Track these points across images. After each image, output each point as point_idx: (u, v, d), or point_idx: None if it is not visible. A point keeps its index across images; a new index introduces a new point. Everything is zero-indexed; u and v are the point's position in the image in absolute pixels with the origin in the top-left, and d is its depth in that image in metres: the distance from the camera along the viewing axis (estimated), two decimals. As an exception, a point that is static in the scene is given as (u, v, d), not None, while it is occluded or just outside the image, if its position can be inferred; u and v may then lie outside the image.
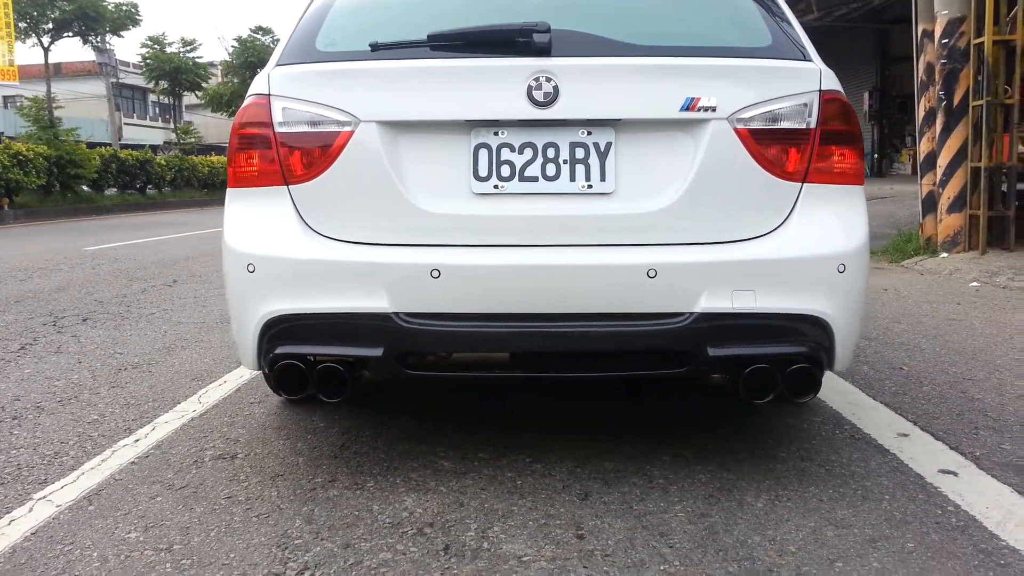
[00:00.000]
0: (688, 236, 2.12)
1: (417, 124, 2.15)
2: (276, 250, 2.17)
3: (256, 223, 2.22)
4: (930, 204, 7.34)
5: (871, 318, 4.58)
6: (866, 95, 24.64)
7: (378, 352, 2.11)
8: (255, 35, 32.26)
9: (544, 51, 2.11)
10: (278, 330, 2.16)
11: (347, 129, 2.15)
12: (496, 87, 2.12)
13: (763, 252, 2.12)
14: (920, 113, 7.48)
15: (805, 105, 2.15)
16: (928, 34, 7.25)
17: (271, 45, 32.08)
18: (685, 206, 2.11)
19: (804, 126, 2.16)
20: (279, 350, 2.16)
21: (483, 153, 2.13)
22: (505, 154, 2.14)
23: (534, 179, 2.13)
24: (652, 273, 2.07)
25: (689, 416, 2.85)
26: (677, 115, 2.11)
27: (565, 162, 2.13)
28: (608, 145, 2.13)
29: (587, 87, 2.11)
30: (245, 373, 3.52)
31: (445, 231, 2.12)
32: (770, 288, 2.11)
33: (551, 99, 2.09)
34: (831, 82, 2.19)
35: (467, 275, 2.10)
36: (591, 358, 2.28)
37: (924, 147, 7.47)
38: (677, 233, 2.12)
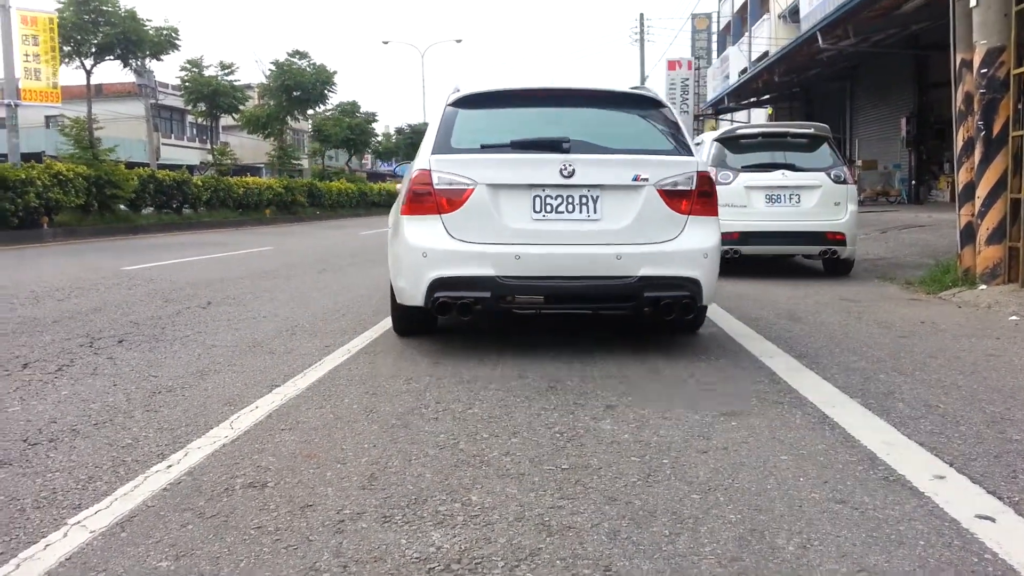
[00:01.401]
0: (635, 240, 4.31)
1: (505, 185, 4.32)
2: (437, 245, 4.28)
3: (425, 232, 4.32)
4: (968, 235, 7.23)
5: (908, 352, 4.51)
6: (903, 121, 24.37)
7: (487, 295, 4.26)
8: (292, 59, 32.70)
9: (567, 151, 4.34)
10: (437, 284, 4.27)
11: (470, 188, 4.30)
12: (543, 168, 4.31)
13: (670, 248, 4.32)
14: (958, 143, 7.39)
15: (689, 178, 4.39)
16: (967, 63, 7.18)
17: (308, 69, 32.56)
18: (634, 226, 4.31)
19: (689, 188, 4.38)
20: (437, 294, 4.27)
21: (537, 200, 4.33)
22: (548, 200, 4.33)
23: (562, 213, 4.34)
24: (618, 257, 4.27)
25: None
26: (630, 183, 4.33)
27: (577, 205, 4.33)
28: (597, 197, 4.33)
29: (588, 169, 4.30)
30: (276, 399, 3.56)
31: (520, 236, 4.29)
32: (673, 264, 4.30)
33: (571, 174, 4.28)
34: (703, 167, 4.48)
35: (531, 257, 4.25)
36: (587, 299, 4.57)
37: (963, 177, 7.38)
38: (630, 239, 4.31)
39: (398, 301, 4.66)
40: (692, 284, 4.29)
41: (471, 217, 4.28)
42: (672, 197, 4.35)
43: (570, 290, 4.34)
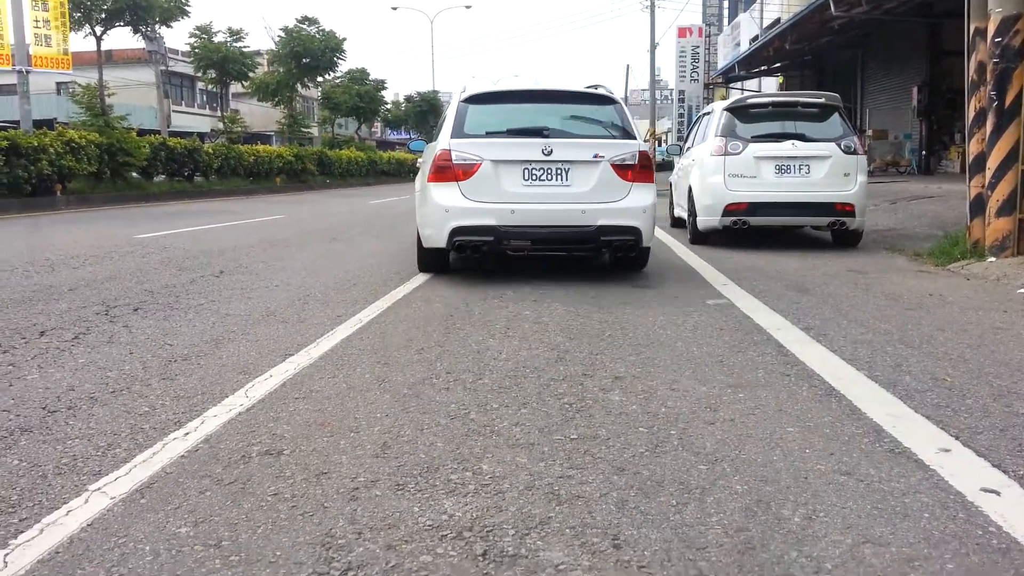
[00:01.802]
0: (595, 200, 5.86)
1: (503, 161, 5.86)
2: (455, 203, 5.81)
3: (446, 194, 5.85)
4: (978, 207, 7.20)
5: (916, 325, 4.53)
6: (915, 90, 24.08)
7: (491, 238, 5.85)
8: (301, 25, 32.50)
9: (547, 136, 5.91)
10: (456, 231, 5.82)
11: (478, 162, 5.84)
12: (530, 149, 5.86)
13: (619, 205, 5.88)
14: (970, 113, 7.33)
15: (633, 155, 5.93)
16: (981, 32, 7.09)
17: (317, 35, 32.37)
18: (594, 190, 5.87)
19: (633, 163, 5.92)
20: (456, 239, 5.85)
21: (526, 171, 5.89)
22: (534, 172, 5.89)
23: (544, 181, 5.91)
24: (583, 212, 5.84)
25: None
26: (591, 159, 5.89)
27: (554, 175, 5.89)
28: (568, 169, 5.88)
29: (561, 149, 5.84)
30: (290, 368, 3.61)
31: (514, 197, 5.84)
32: (621, 217, 5.87)
33: (550, 153, 5.83)
34: (643, 146, 6.05)
35: (522, 211, 5.80)
36: (561, 242, 6.20)
37: (973, 148, 7.32)
38: (591, 199, 5.85)
39: (425, 246, 6.32)
40: (635, 231, 5.98)
41: (479, 183, 5.92)
42: (621, 169, 5.99)
43: (549, 236, 6.07)
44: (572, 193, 5.91)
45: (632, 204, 5.94)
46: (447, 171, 5.92)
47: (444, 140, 6.06)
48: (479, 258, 6.99)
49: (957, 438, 2.68)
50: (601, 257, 7.29)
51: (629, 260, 6.60)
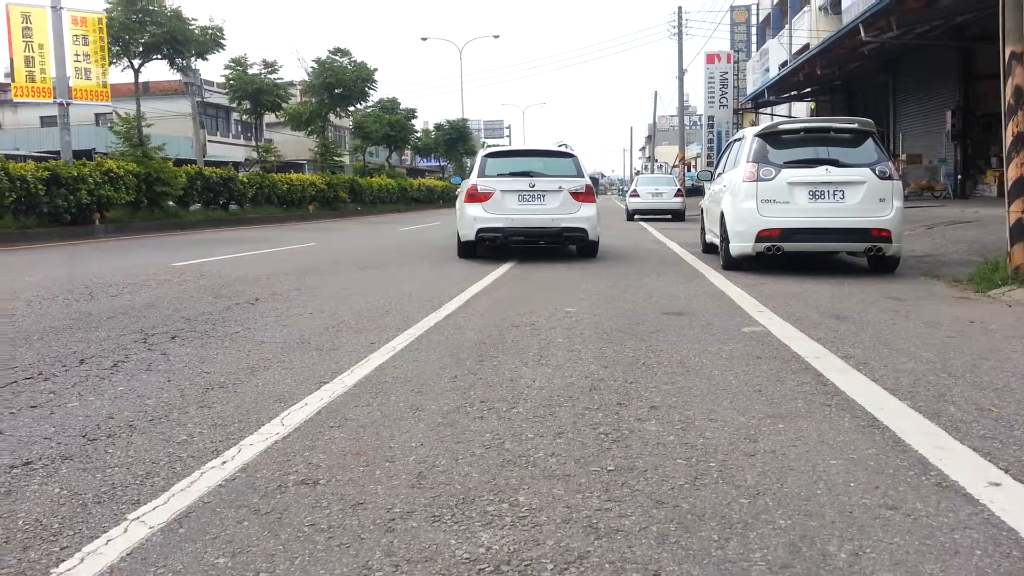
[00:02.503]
0: (560, 213, 10.43)
1: (508, 190, 10.47)
2: (480, 215, 10.44)
3: (474, 210, 10.47)
4: (1019, 232, 7.07)
5: (958, 353, 4.44)
6: (948, 114, 23.86)
7: (500, 235, 10.49)
8: (333, 56, 33.02)
9: (532, 177, 10.66)
10: (480, 231, 10.45)
11: (492, 191, 10.45)
12: (523, 183, 10.55)
13: (574, 215, 10.47)
14: (1008, 138, 7.22)
15: (582, 187, 10.61)
16: (1017, 56, 7.01)
17: (349, 66, 32.87)
18: (560, 208, 10.45)
19: (582, 191, 10.56)
20: (480, 235, 10.47)
21: (520, 197, 10.49)
22: (525, 197, 10.49)
23: (530, 202, 10.49)
24: (553, 221, 10.44)
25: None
26: (557, 189, 10.47)
27: (536, 200, 10.46)
28: (544, 195, 10.45)
29: (541, 184, 10.53)
30: (325, 396, 3.62)
31: (513, 212, 10.43)
32: (575, 223, 10.47)
33: (533, 186, 10.48)
34: (587, 182, 10.83)
35: (517, 220, 10.40)
36: (541, 238, 10.71)
37: (1012, 173, 7.20)
38: (557, 213, 10.42)
39: (462, 241, 10.80)
40: (583, 231, 10.42)
41: (493, 204, 10.33)
42: (575, 195, 10.38)
43: (533, 234, 10.48)
44: (547, 210, 10.33)
45: (582, 215, 10.41)
46: (475, 196, 10.42)
47: (473, 178, 10.76)
48: (494, 247, 10.93)
49: (1007, 471, 2.61)
50: (567, 247, 11.43)
51: (585, 250, 10.97)
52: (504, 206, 10.21)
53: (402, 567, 2.00)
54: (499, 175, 10.53)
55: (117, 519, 2.33)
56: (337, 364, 4.32)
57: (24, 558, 2.08)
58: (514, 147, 13.86)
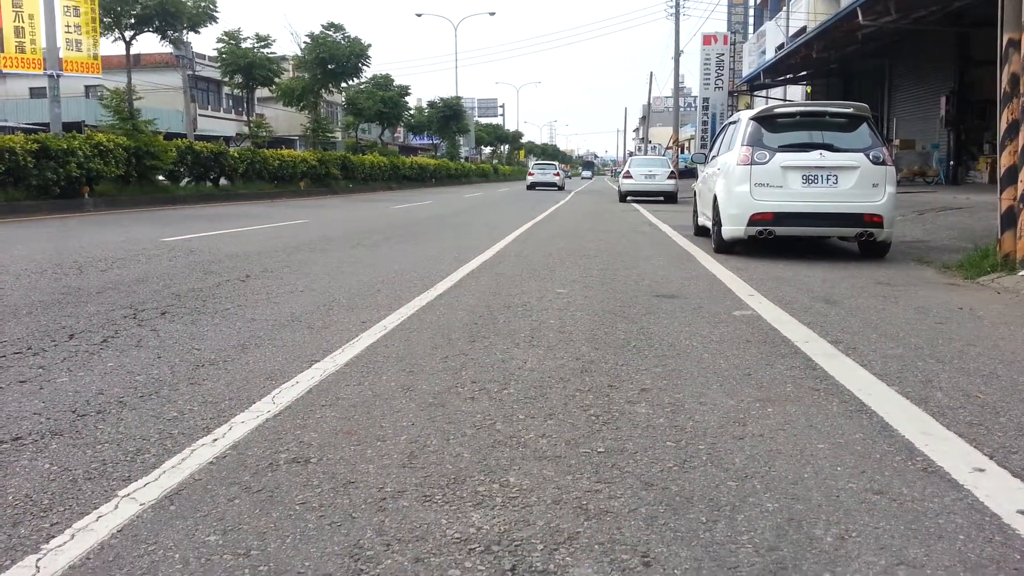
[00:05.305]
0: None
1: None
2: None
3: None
4: (1009, 220, 7.10)
5: (946, 339, 4.47)
6: (943, 100, 23.86)
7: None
8: (326, 32, 32.67)
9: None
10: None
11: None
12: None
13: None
14: (1002, 125, 7.23)
15: (559, 172, 42.50)
16: (1014, 43, 7.00)
17: (342, 42, 32.55)
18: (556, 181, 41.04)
19: (562, 182, 41.97)
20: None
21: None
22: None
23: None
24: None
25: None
26: (553, 179, 41.16)
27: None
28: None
29: (542, 174, 42.06)
30: (316, 374, 3.62)
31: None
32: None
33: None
34: (561, 172, 43.21)
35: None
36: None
37: (1005, 160, 7.23)
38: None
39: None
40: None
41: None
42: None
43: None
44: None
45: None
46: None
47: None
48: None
49: (991, 457, 2.63)
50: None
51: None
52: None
53: (393, 546, 2.02)
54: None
55: (108, 495, 2.33)
56: (328, 342, 4.32)
57: (14, 534, 2.09)
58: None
